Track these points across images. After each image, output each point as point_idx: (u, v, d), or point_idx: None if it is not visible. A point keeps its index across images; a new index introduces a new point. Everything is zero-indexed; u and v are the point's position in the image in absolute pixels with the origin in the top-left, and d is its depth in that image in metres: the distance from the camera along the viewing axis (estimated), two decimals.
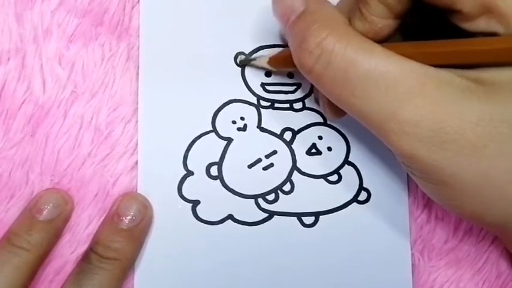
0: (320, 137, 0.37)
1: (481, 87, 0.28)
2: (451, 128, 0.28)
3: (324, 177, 0.37)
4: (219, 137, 0.37)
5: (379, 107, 0.28)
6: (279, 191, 0.37)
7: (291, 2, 0.31)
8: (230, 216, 0.36)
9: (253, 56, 0.37)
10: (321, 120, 0.38)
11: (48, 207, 0.34)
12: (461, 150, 0.28)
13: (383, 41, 0.30)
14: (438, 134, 0.28)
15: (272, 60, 0.36)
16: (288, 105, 0.38)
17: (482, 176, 0.28)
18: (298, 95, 0.38)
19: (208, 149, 0.37)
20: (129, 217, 0.35)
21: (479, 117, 0.28)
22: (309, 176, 0.37)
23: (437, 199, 0.31)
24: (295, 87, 0.38)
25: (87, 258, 0.34)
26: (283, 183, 0.37)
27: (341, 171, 0.37)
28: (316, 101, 0.37)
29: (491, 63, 0.28)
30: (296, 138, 0.37)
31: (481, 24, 0.28)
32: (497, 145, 0.28)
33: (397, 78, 0.28)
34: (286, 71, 0.37)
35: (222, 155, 0.37)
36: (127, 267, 0.35)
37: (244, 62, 0.37)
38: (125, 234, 0.34)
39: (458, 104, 0.28)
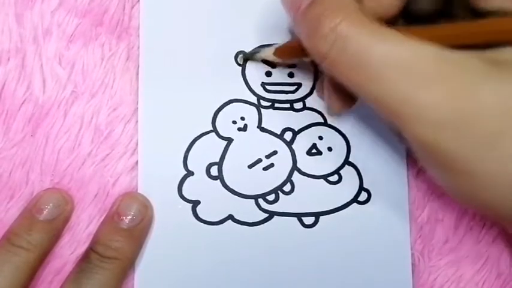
0: (320, 137, 0.37)
1: (498, 69, 0.27)
2: (467, 112, 0.27)
3: (324, 177, 0.37)
4: (219, 137, 0.37)
5: (395, 93, 0.28)
6: (279, 191, 0.37)
7: None
8: (230, 217, 0.36)
9: (256, 49, 0.37)
10: (321, 120, 0.38)
11: (49, 207, 0.34)
12: (477, 137, 0.27)
13: (389, 22, 0.30)
14: (454, 120, 0.27)
15: (278, 50, 0.36)
16: (288, 105, 0.38)
17: (498, 164, 0.27)
18: (299, 95, 0.38)
19: (209, 149, 0.37)
20: (129, 217, 0.35)
21: (496, 100, 0.27)
22: (309, 176, 0.37)
23: (448, 188, 0.31)
24: (295, 87, 0.38)
25: (87, 258, 0.34)
26: (284, 183, 0.37)
27: (341, 171, 0.37)
28: (321, 97, 0.37)
29: (507, 43, 0.28)
30: (296, 138, 0.37)
31: (496, 2, 0.28)
32: None
33: (412, 62, 0.28)
34: (290, 63, 0.37)
35: (222, 155, 0.37)
36: (127, 266, 0.35)
37: (247, 55, 0.37)
38: (125, 233, 0.34)
39: (475, 88, 0.27)
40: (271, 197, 0.37)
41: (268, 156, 0.37)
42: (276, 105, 0.37)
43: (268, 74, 0.38)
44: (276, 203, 0.37)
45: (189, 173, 0.36)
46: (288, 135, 0.37)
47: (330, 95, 0.34)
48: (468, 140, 0.27)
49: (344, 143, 0.38)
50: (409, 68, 0.28)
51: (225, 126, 0.37)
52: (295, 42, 0.33)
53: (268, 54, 0.36)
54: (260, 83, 0.37)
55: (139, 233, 0.35)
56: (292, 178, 0.37)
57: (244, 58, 0.37)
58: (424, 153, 0.30)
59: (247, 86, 0.37)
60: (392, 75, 0.28)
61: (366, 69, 0.28)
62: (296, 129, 0.37)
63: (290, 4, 0.32)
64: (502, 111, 0.27)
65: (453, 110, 0.27)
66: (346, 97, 0.31)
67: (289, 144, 0.37)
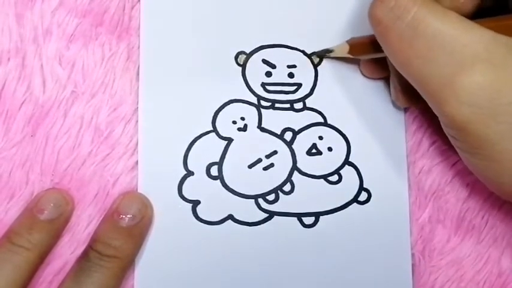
0: (320, 137, 0.37)
1: None
2: (506, 98, 0.27)
3: (324, 177, 0.37)
4: (220, 137, 0.37)
5: (440, 71, 0.28)
6: (279, 191, 0.37)
7: None
8: (230, 217, 0.36)
9: (328, 48, 0.37)
10: (321, 120, 0.38)
11: (50, 207, 0.34)
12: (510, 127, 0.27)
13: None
14: (493, 105, 0.27)
15: (353, 48, 0.36)
16: (288, 105, 0.38)
17: None
18: (299, 95, 0.38)
19: (209, 149, 0.37)
20: (129, 216, 0.35)
21: None
22: (309, 176, 0.37)
23: (480, 175, 0.31)
24: (295, 87, 0.38)
25: (86, 256, 0.34)
26: (284, 183, 0.37)
27: (341, 171, 0.37)
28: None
29: None
30: (296, 138, 0.37)
31: None
32: None
33: (464, 42, 0.28)
34: (364, 59, 0.37)
35: (222, 155, 0.37)
36: (126, 265, 0.35)
37: (319, 54, 0.38)
38: (125, 232, 0.34)
39: None
40: (271, 197, 0.37)
41: (268, 156, 0.37)
42: (276, 105, 0.37)
43: (268, 74, 0.38)
44: (276, 203, 0.37)
45: (189, 173, 0.36)
46: (288, 135, 0.37)
47: (396, 91, 0.35)
48: (503, 127, 0.28)
49: (344, 143, 0.37)
50: (460, 47, 0.28)
51: (225, 126, 0.37)
52: (368, 38, 0.33)
53: (342, 52, 0.36)
54: (260, 83, 0.37)
55: (139, 232, 0.35)
56: (292, 178, 0.37)
57: (318, 57, 0.38)
58: (457, 138, 0.30)
59: (247, 86, 0.37)
60: (441, 52, 0.28)
61: (416, 43, 0.29)
62: (296, 129, 0.37)
63: None
64: None
65: (492, 95, 0.27)
66: (412, 94, 0.32)
67: (289, 144, 0.37)
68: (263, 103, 0.37)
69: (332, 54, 0.37)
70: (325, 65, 0.38)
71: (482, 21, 0.30)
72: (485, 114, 0.28)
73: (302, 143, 0.37)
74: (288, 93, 0.38)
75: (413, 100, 0.35)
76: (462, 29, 0.28)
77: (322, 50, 0.38)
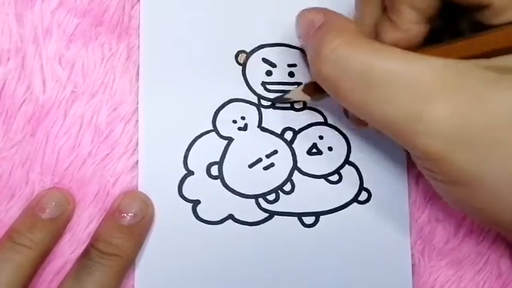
0: (321, 137, 0.37)
1: (505, 77, 0.27)
2: (475, 123, 0.27)
3: (325, 177, 0.37)
4: (220, 137, 0.37)
5: (403, 109, 0.28)
6: (279, 191, 0.37)
7: (312, 17, 0.32)
8: (230, 216, 0.36)
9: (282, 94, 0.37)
10: (321, 120, 0.37)
11: (51, 205, 0.35)
12: (487, 148, 0.27)
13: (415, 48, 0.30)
14: (464, 132, 0.27)
15: (308, 88, 0.35)
16: (289, 104, 0.37)
17: (502, 168, 0.27)
18: None
19: (209, 149, 0.37)
20: (130, 214, 0.35)
21: (504, 109, 0.27)
22: (309, 176, 0.37)
23: (457, 203, 0.30)
24: (296, 86, 0.38)
25: (87, 254, 0.34)
26: (284, 183, 0.37)
27: (342, 171, 0.37)
28: (345, 113, 0.37)
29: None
30: (297, 138, 0.37)
31: (510, 15, 0.28)
32: None
33: (416, 76, 0.27)
34: (321, 99, 0.36)
35: (222, 154, 0.37)
36: (127, 264, 0.35)
37: (275, 100, 0.37)
38: (126, 231, 0.35)
39: (481, 97, 0.27)
40: (271, 197, 0.37)
41: (268, 156, 0.37)
42: (277, 104, 0.37)
43: (269, 73, 0.37)
44: (276, 203, 0.37)
45: (189, 173, 0.36)
46: (288, 135, 0.37)
47: (349, 113, 0.35)
48: (477, 152, 0.27)
49: (344, 142, 0.37)
50: (413, 81, 0.27)
51: (225, 125, 0.37)
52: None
53: (297, 94, 0.36)
54: (260, 82, 0.37)
55: (140, 230, 0.35)
56: (292, 178, 0.37)
57: (274, 101, 0.37)
58: (432, 169, 0.29)
59: (247, 85, 0.37)
60: (396, 91, 0.28)
61: (368, 88, 0.28)
62: (296, 129, 0.37)
63: (302, 30, 0.32)
64: (510, 121, 0.27)
65: (460, 122, 0.27)
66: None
67: (290, 143, 0.37)
68: (263, 102, 0.37)
69: (287, 97, 0.37)
70: None
71: (432, 49, 0.29)
72: (457, 142, 0.27)
73: (302, 143, 0.37)
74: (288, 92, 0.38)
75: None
76: (408, 64, 0.28)
77: (277, 97, 0.37)
